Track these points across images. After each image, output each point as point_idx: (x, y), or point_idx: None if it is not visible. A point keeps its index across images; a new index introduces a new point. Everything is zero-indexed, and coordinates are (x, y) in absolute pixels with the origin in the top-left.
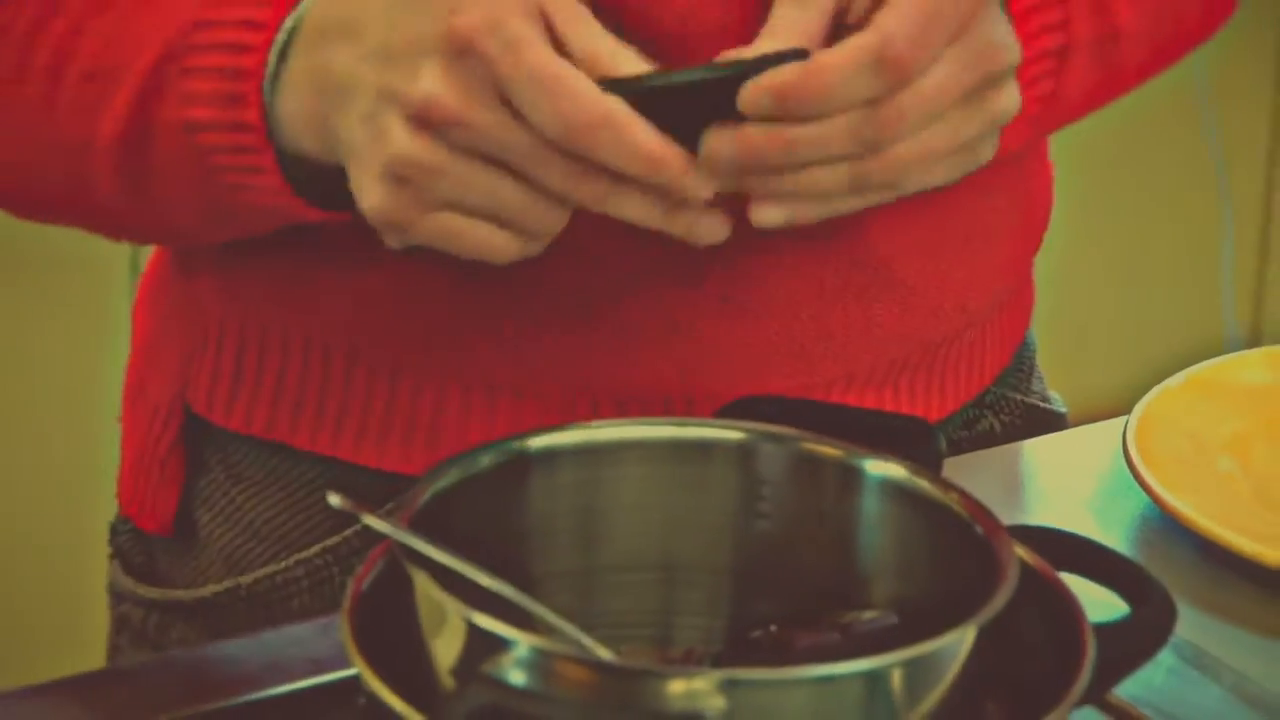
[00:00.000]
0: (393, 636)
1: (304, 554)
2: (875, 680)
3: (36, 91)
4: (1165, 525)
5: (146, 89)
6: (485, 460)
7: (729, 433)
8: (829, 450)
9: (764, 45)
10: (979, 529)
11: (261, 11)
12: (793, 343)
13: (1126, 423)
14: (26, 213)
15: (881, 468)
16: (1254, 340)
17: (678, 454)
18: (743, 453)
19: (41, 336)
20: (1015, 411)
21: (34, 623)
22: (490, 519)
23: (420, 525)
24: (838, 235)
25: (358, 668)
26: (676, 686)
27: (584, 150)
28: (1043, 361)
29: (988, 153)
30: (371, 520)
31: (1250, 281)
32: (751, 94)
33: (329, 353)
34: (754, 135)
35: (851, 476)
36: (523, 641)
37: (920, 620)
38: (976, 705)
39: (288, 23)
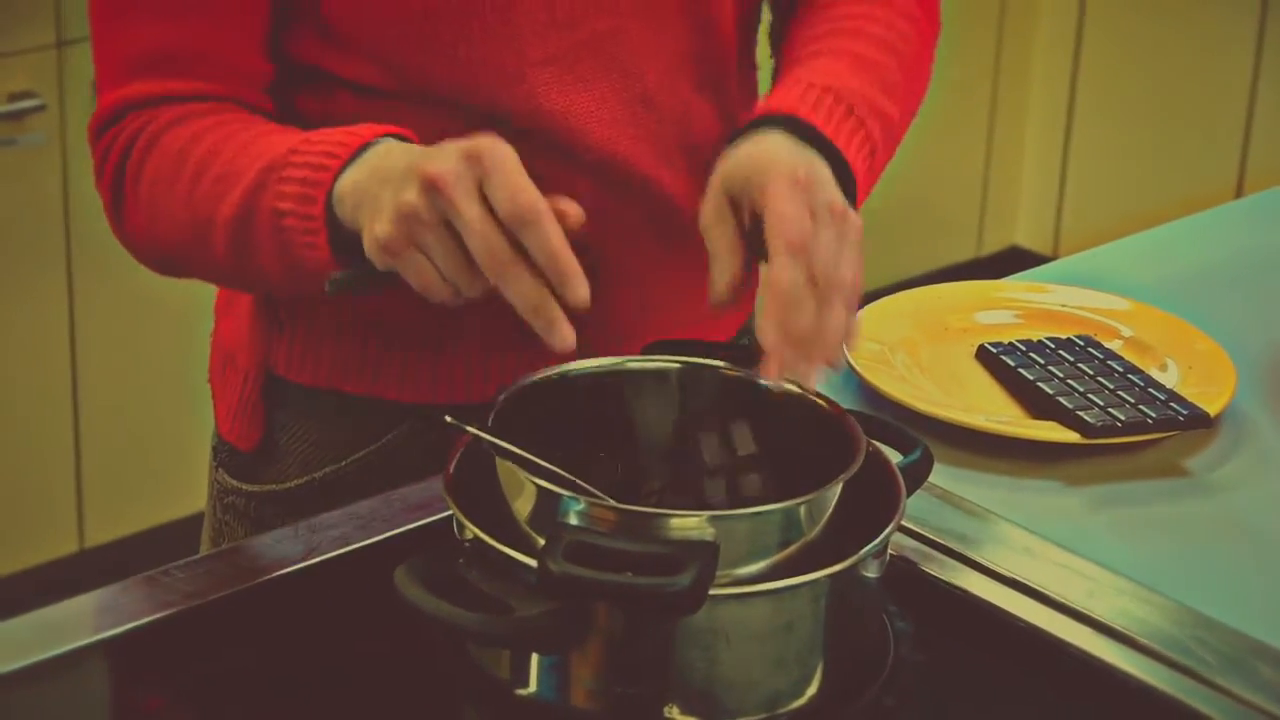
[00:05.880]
0: (468, 502)
1: (355, 455)
2: (791, 513)
3: (184, 189)
4: (873, 398)
5: (254, 186)
6: (528, 387)
7: (671, 364)
8: (734, 372)
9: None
10: (838, 419)
11: (337, 149)
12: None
13: None
14: (174, 272)
15: (773, 384)
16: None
17: (644, 377)
18: (683, 375)
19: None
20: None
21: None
22: (535, 424)
23: (496, 430)
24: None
25: (466, 524)
26: (683, 522)
27: (517, 229)
28: None
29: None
30: (473, 430)
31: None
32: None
33: (366, 330)
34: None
35: (751, 389)
36: (580, 499)
37: (804, 477)
38: (842, 533)
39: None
